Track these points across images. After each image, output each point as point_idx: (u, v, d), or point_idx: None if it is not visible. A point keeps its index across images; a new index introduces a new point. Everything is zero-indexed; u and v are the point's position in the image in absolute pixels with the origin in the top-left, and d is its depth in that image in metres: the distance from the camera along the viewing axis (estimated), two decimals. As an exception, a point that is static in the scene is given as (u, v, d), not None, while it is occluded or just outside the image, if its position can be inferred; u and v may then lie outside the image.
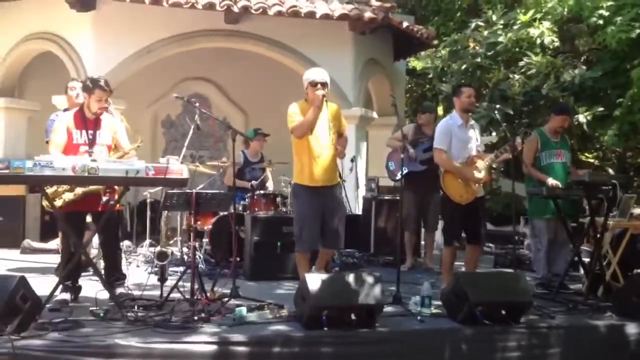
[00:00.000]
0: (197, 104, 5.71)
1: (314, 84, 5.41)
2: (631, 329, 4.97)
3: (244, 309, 4.56)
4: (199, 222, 6.95)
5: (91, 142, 5.12)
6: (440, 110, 11.38)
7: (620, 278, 6.03)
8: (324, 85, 5.42)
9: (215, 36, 9.10)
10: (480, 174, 5.73)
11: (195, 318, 4.45)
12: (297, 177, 5.62)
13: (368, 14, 8.85)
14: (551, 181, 6.04)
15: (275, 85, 10.51)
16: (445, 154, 5.73)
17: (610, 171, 11.31)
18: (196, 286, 5.00)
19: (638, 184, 11.83)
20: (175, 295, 4.95)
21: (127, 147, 5.28)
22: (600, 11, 7.80)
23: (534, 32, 8.36)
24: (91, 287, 5.15)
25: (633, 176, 11.52)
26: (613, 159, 12.74)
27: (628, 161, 12.77)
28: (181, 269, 6.08)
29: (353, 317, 4.39)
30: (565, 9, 8.42)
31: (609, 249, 6.15)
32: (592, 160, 12.15)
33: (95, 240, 5.69)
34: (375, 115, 10.39)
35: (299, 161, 5.58)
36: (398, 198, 7.21)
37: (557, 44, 8.64)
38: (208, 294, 5.06)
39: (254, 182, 7.43)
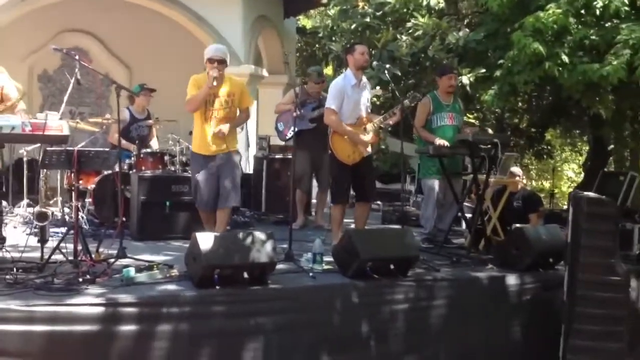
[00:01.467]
0: (77, 57, 5.39)
1: (211, 62, 5.54)
2: (510, 279, 5.27)
3: (132, 270, 4.41)
4: (81, 181, 6.63)
5: None
6: (329, 70, 11.42)
7: (499, 232, 6.34)
8: (220, 62, 5.55)
9: (96, -15, 8.63)
10: (368, 136, 5.79)
11: (80, 280, 4.24)
12: (193, 145, 5.87)
13: (258, -31, 8.68)
14: (438, 141, 6.20)
15: (160, 39, 10.18)
16: (335, 114, 5.73)
17: (490, 131, 11.84)
18: (80, 247, 4.77)
19: (515, 143, 12.50)
20: (58, 257, 4.70)
21: (15, 99, 4.96)
22: (484, -26, 7.99)
23: (420, -7, 8.48)
24: (-37, 249, 4.81)
25: (510, 136, 12.11)
26: (492, 120, 13.35)
27: (506, 122, 13.43)
28: (62, 230, 5.80)
29: (246, 275, 4.37)
30: (451, -29, 8.61)
31: (490, 205, 6.45)
32: (472, 121, 12.66)
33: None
34: (265, 73, 10.27)
35: (195, 130, 5.83)
36: (289, 157, 7.21)
37: (442, 5, 8.82)
38: (93, 255, 4.83)
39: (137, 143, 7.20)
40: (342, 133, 5.74)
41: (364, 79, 6.01)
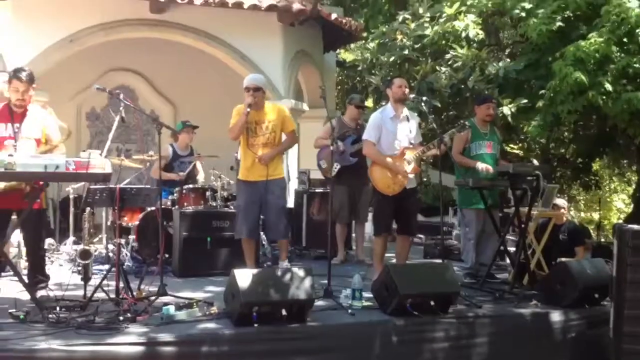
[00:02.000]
0: (121, 95, 5.53)
1: (247, 90, 5.75)
2: (555, 316, 5.11)
3: (171, 308, 4.45)
4: (125, 218, 6.77)
5: (16, 136, 4.91)
6: (370, 102, 11.44)
7: (544, 267, 6.19)
8: (256, 90, 5.75)
9: (140, 26, 8.86)
10: (409, 167, 5.78)
11: (121, 318, 4.30)
12: (239, 172, 6.05)
13: (296, 5, 8.81)
14: (480, 165, 6.15)
15: (204, 77, 10.37)
16: (373, 146, 5.79)
17: (535, 162, 11.60)
18: (121, 285, 4.85)
19: (561, 173, 12.23)
20: (100, 295, 4.77)
21: (57, 141, 5.11)
22: (523, 4, 7.94)
23: (459, 25, 8.45)
24: (11, 288, 4.94)
25: (556, 167, 11.86)
26: (537, 150, 13.11)
27: (552, 152, 13.18)
28: (106, 267, 5.89)
29: (284, 312, 4.35)
30: (490, 2, 8.57)
31: (533, 239, 6.31)
32: (517, 151, 12.46)
33: (15, 238, 5.49)
34: (306, 107, 10.36)
35: (241, 157, 6.04)
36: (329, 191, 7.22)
37: (481, 36, 8.78)
38: (134, 293, 4.90)
39: (181, 173, 7.31)
40: (379, 163, 5.79)
41: (406, 111, 6.03)
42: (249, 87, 5.75)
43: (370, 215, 6.94)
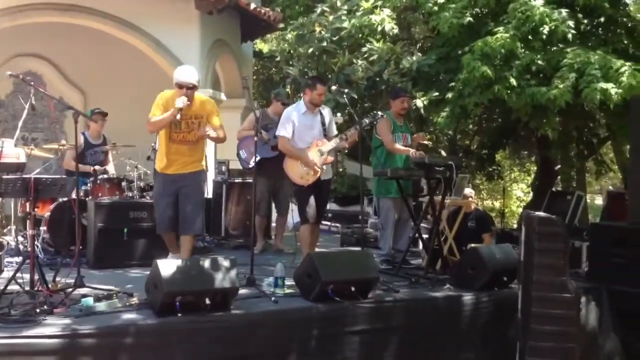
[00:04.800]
0: (32, 82, 5.34)
1: (180, 87, 5.42)
2: (467, 299, 5.37)
3: (90, 299, 4.36)
4: (36, 209, 6.53)
5: None
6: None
7: (456, 252, 6.46)
8: (191, 88, 5.43)
9: (50, 10, 8.59)
10: (322, 158, 5.97)
11: (37, 310, 4.15)
12: (156, 162, 5.88)
13: (215, -6, 8.74)
14: (412, 152, 6.39)
15: (116, 64, 10.13)
16: (287, 141, 5.97)
17: (443, 153, 12.04)
18: (36, 277, 4.69)
19: (467, 164, 12.74)
20: (14, 287, 4.57)
21: None
22: (436, -2, 8.20)
23: (375, 18, 8.63)
24: None
25: (462, 157, 12.31)
26: (445, 142, 13.59)
27: (458, 143, 13.70)
28: (17, 259, 5.69)
29: (208, 301, 4.34)
30: (404, -3, 8.79)
31: (446, 226, 6.57)
32: (426, 143, 12.84)
33: None
34: (224, 97, 10.30)
35: (159, 148, 5.81)
36: (249, 181, 7.25)
37: (396, 31, 9.00)
38: (50, 285, 4.75)
39: (97, 168, 7.12)
40: (294, 157, 5.97)
41: (321, 106, 6.18)
42: (183, 85, 5.40)
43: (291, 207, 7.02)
